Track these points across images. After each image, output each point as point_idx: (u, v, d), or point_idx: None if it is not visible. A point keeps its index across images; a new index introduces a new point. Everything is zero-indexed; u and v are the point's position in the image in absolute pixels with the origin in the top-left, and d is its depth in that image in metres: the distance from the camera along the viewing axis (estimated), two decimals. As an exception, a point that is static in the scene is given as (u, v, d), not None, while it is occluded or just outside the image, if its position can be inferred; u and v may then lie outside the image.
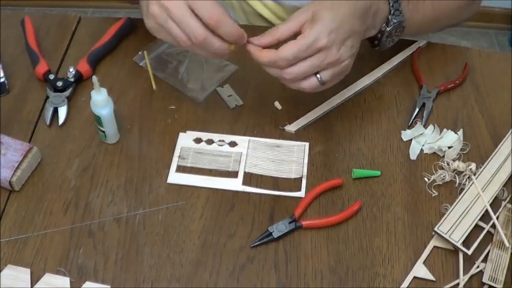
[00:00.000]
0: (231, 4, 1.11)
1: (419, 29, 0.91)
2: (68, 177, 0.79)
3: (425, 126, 0.85)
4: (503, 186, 0.78)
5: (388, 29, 0.82)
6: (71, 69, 0.88)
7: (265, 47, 0.74)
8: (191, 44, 0.71)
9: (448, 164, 0.80)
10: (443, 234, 0.72)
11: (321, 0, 0.74)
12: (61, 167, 0.80)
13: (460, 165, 0.79)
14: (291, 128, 0.84)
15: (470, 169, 0.78)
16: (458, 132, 0.84)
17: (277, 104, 0.88)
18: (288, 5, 1.03)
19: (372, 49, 0.86)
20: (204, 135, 0.84)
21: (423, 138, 0.83)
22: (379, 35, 0.83)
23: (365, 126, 0.85)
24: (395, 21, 0.81)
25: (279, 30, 0.74)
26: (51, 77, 0.88)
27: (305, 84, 0.74)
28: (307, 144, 0.83)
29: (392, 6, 0.81)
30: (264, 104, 0.88)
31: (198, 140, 0.83)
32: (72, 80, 0.88)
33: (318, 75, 0.73)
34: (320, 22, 0.71)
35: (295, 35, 0.73)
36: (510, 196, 0.77)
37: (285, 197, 0.78)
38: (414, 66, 0.92)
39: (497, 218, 0.74)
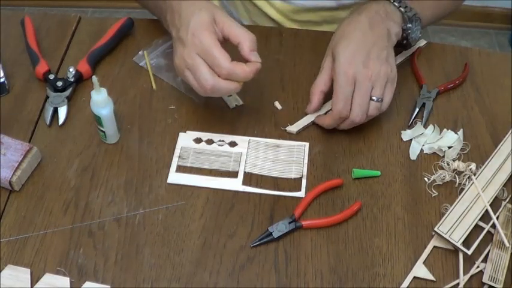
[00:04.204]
0: (234, 4, 1.11)
1: (430, 22, 0.95)
2: (68, 177, 0.79)
3: (425, 126, 0.85)
4: (503, 186, 0.78)
5: (409, 25, 0.86)
6: (71, 69, 0.88)
7: (319, 105, 0.83)
8: (204, 91, 0.75)
9: (448, 164, 0.80)
10: (443, 234, 0.72)
11: (336, 35, 0.80)
12: (61, 167, 0.80)
13: (460, 165, 0.79)
14: (293, 128, 0.84)
15: (470, 169, 0.78)
16: (458, 132, 0.84)
17: (277, 104, 0.88)
18: (296, 4, 1.03)
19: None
20: (204, 135, 0.84)
21: (423, 138, 0.83)
22: (404, 34, 0.87)
23: (365, 126, 0.85)
24: (410, 14, 0.85)
25: (320, 86, 0.81)
26: (51, 77, 0.88)
27: (371, 112, 0.78)
28: (307, 144, 0.83)
29: (394, 2, 0.84)
30: (264, 104, 0.88)
31: (198, 140, 0.83)
32: (72, 80, 0.88)
33: (372, 97, 0.77)
34: (337, 60, 0.76)
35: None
36: (510, 196, 0.77)
37: (285, 197, 0.78)
38: (414, 66, 0.92)
39: (497, 218, 0.74)
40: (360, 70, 0.76)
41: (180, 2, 0.76)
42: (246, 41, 0.74)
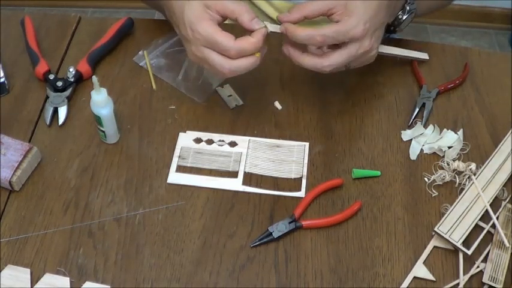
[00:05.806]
0: None
1: (424, 13, 0.94)
2: (68, 177, 0.79)
3: (425, 126, 0.85)
4: (503, 186, 0.78)
5: (404, 17, 0.86)
6: (71, 69, 0.88)
7: (294, 23, 0.75)
8: (225, 76, 0.75)
9: (448, 164, 0.80)
10: (443, 234, 0.72)
11: None
12: (61, 167, 0.80)
13: (460, 165, 0.79)
14: (269, 26, 0.77)
15: (470, 169, 0.78)
16: (458, 132, 0.84)
17: (277, 104, 0.88)
18: (295, 2, 1.02)
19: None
20: (204, 135, 0.84)
21: (423, 138, 0.83)
22: (396, 22, 0.87)
23: (365, 126, 0.85)
24: (411, 8, 0.85)
25: (308, 7, 0.75)
26: (51, 77, 0.88)
27: (334, 70, 0.76)
28: (307, 144, 0.83)
29: None
30: (264, 104, 0.88)
31: (198, 140, 0.83)
32: (72, 80, 0.88)
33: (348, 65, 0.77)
34: (356, 13, 0.73)
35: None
36: (510, 196, 0.77)
37: (285, 197, 0.78)
38: (414, 66, 0.92)
39: (497, 218, 0.74)
40: (364, 37, 0.74)
41: None
42: (243, 13, 0.74)
